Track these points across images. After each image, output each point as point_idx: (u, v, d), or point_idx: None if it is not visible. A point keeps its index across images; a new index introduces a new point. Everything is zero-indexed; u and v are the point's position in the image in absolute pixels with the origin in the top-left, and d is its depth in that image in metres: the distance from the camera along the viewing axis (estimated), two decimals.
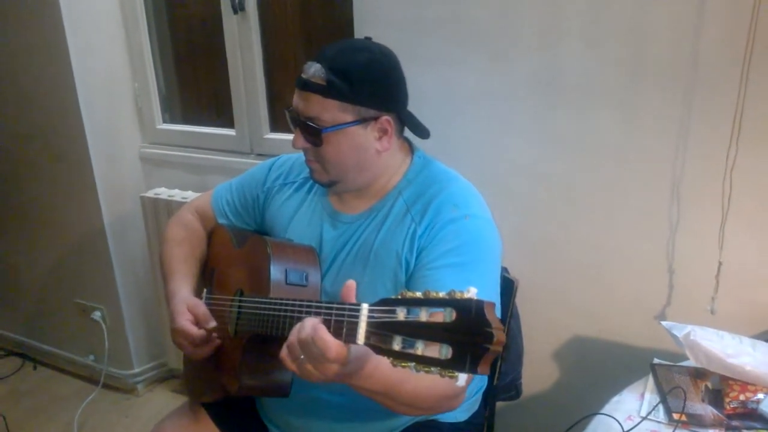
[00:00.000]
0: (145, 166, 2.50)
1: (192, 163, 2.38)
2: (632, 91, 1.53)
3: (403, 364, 0.75)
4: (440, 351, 0.72)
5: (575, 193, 1.67)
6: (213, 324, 1.28)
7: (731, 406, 1.24)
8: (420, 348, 0.74)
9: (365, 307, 0.82)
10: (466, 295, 0.72)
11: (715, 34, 1.40)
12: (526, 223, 1.74)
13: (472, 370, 0.70)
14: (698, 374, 1.35)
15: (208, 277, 1.49)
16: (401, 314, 0.77)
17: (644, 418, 1.22)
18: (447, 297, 0.73)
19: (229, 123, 2.32)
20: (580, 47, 1.56)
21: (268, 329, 1.10)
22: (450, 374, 0.71)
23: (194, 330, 1.26)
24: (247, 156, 2.27)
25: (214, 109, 2.48)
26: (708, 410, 1.24)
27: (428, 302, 0.75)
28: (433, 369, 0.72)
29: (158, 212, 2.34)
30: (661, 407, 1.26)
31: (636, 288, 1.64)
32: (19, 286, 2.87)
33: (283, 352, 0.94)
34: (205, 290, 1.44)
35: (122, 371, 2.66)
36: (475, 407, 1.43)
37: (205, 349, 1.29)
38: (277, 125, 2.24)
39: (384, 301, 0.80)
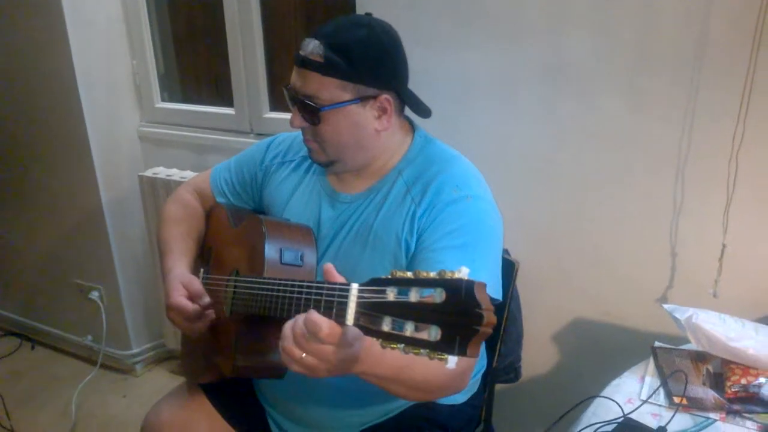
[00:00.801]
0: (144, 145, 2.48)
1: (191, 142, 2.35)
2: (639, 74, 1.50)
3: (392, 345, 0.73)
4: (429, 332, 0.70)
5: (579, 176, 1.65)
6: (207, 300, 1.26)
7: (732, 389, 1.23)
8: (409, 329, 0.72)
9: (355, 287, 0.80)
10: (457, 275, 0.70)
11: (724, 17, 1.37)
12: (528, 205, 1.73)
13: (461, 352, 0.67)
14: (699, 357, 1.34)
15: (205, 257, 1.48)
16: (391, 294, 0.75)
17: (645, 401, 1.21)
18: (437, 277, 0.71)
19: (228, 102, 2.29)
20: (587, 32, 1.53)
21: (262, 309, 1.08)
22: (439, 356, 0.69)
23: (188, 305, 1.24)
24: (246, 135, 2.25)
25: (214, 88, 2.45)
26: (709, 394, 1.23)
27: (418, 282, 0.73)
28: (422, 351, 0.70)
29: (156, 192, 2.32)
30: (661, 390, 1.25)
31: (638, 271, 1.63)
32: (17, 265, 2.86)
33: (283, 355, 0.90)
34: (202, 270, 1.43)
35: (120, 351, 2.66)
36: (474, 389, 1.43)
37: (199, 325, 1.26)
38: (276, 104, 2.22)
39: (374, 281, 0.78)
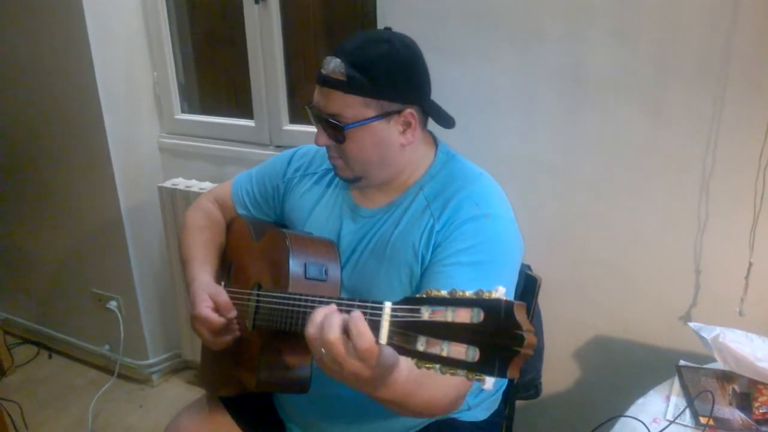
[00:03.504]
0: (164, 156, 2.50)
1: (210, 153, 2.36)
2: (661, 86, 1.49)
3: (427, 365, 0.72)
4: (467, 353, 0.69)
5: (601, 190, 1.64)
6: (234, 313, 1.25)
7: (760, 411, 1.21)
8: (445, 349, 0.71)
9: (388, 306, 0.79)
10: (495, 295, 0.69)
11: (750, 27, 1.36)
12: (549, 220, 1.71)
13: (501, 373, 0.66)
14: (725, 377, 1.32)
15: (225, 270, 1.47)
16: (426, 314, 0.74)
17: (671, 422, 1.19)
18: (474, 297, 0.70)
19: (248, 114, 2.30)
20: (607, 41, 1.52)
21: (287, 325, 1.07)
22: (478, 377, 0.68)
23: (215, 317, 1.23)
24: (265, 147, 2.25)
25: (233, 100, 2.46)
26: (736, 414, 1.21)
27: (454, 302, 0.71)
28: (459, 371, 0.69)
29: (176, 203, 2.33)
30: (687, 410, 1.23)
31: (661, 288, 1.61)
32: (36, 274, 2.88)
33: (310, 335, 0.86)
34: (222, 283, 1.42)
35: (137, 361, 2.66)
36: (495, 406, 1.41)
37: (225, 339, 1.26)
38: (296, 117, 2.22)
39: (408, 300, 0.77)
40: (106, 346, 2.71)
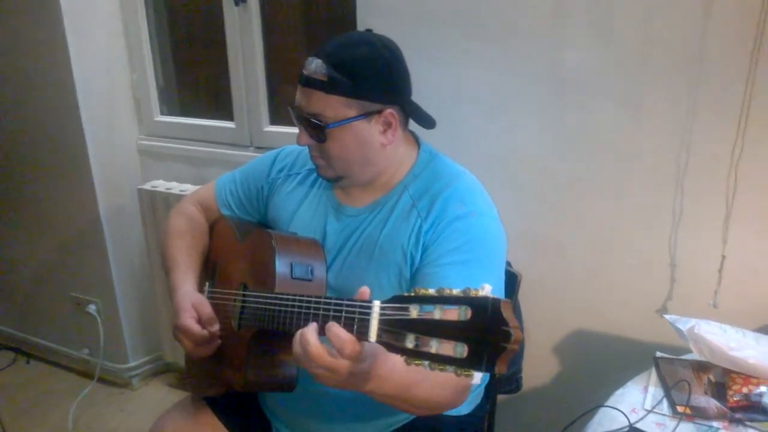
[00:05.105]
0: (143, 159, 2.48)
1: (190, 155, 2.36)
2: (638, 85, 1.53)
3: (416, 362, 0.74)
4: (455, 349, 0.71)
5: (579, 187, 1.67)
6: (217, 327, 1.26)
7: (734, 399, 1.24)
8: (434, 346, 0.73)
9: (377, 304, 0.81)
10: (481, 293, 0.71)
11: (724, 29, 1.40)
12: (528, 217, 1.74)
13: (489, 369, 0.68)
14: (701, 367, 1.36)
15: (210, 271, 1.48)
16: (414, 312, 0.76)
17: (650, 411, 1.22)
18: (462, 295, 0.72)
19: (228, 115, 2.31)
20: (586, 44, 1.56)
21: (274, 325, 1.08)
22: (466, 372, 0.70)
23: (197, 329, 1.24)
24: (246, 149, 2.26)
25: (213, 102, 2.46)
26: (711, 403, 1.25)
27: (442, 300, 0.74)
28: (448, 368, 0.71)
29: (155, 205, 2.33)
30: (665, 400, 1.27)
31: (638, 282, 1.65)
32: (13, 278, 2.85)
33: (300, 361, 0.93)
34: (207, 284, 1.43)
35: (117, 365, 2.65)
36: (478, 400, 1.43)
37: (206, 349, 1.27)
38: (276, 118, 2.23)
39: (396, 299, 0.79)
40: (86, 351, 2.68)
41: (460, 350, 0.70)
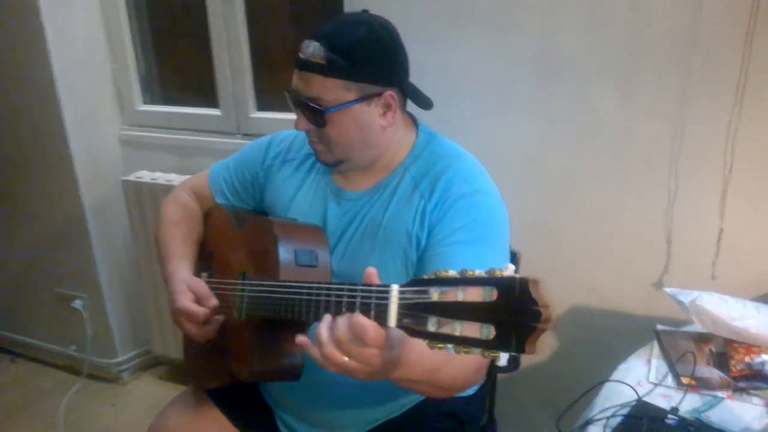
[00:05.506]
0: (126, 149, 2.43)
1: (175, 144, 2.32)
2: (631, 65, 1.53)
3: (439, 345, 0.73)
4: (481, 331, 0.70)
5: (574, 166, 1.68)
6: (215, 302, 1.24)
7: (737, 368, 1.26)
8: (458, 329, 0.71)
9: (395, 288, 0.80)
10: (506, 273, 0.70)
11: (717, 5, 1.40)
12: (525, 197, 1.74)
13: (519, 349, 0.67)
14: (701, 338, 1.37)
15: (206, 260, 1.45)
16: (435, 294, 0.74)
17: (657, 384, 1.24)
18: (486, 275, 0.71)
19: (213, 103, 2.26)
20: (578, 27, 1.56)
21: (282, 313, 1.06)
22: (494, 354, 0.69)
23: (197, 308, 1.22)
24: (233, 136, 2.22)
25: (197, 89, 2.41)
26: (714, 373, 1.27)
27: (464, 281, 0.72)
28: (474, 349, 0.70)
29: (141, 196, 2.28)
30: (669, 372, 1.28)
31: (635, 258, 1.67)
32: None
33: (324, 360, 0.88)
34: (205, 274, 1.40)
35: (106, 360, 2.60)
36: (482, 379, 1.44)
37: (209, 329, 1.25)
38: (263, 103, 2.19)
39: (415, 281, 0.77)
40: (73, 347, 2.64)
41: (487, 332, 0.69)
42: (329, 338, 0.86)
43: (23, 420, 2.44)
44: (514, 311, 0.68)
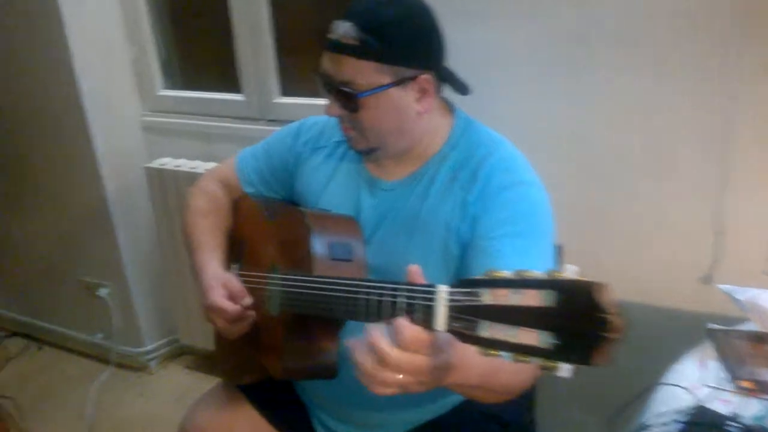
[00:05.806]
0: (148, 136, 2.38)
1: (198, 131, 2.26)
2: (678, 42, 1.43)
3: (492, 352, 0.67)
4: (539, 338, 0.64)
5: (615, 153, 1.59)
6: (249, 300, 1.19)
7: None
8: (514, 335, 0.65)
9: (443, 289, 0.73)
10: (568, 275, 0.64)
11: None
12: (563, 186, 1.64)
13: (584, 361, 0.61)
14: (758, 339, 1.29)
15: (236, 251, 1.40)
16: (488, 297, 0.68)
17: (715, 388, 1.16)
18: (545, 277, 0.65)
19: (235, 87, 2.19)
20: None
21: (318, 310, 1.01)
22: (553, 365, 0.63)
23: (229, 306, 1.17)
24: (257, 122, 2.16)
25: (219, 73, 2.34)
26: None
27: (521, 283, 0.66)
28: (532, 359, 0.64)
29: (165, 183, 2.23)
30: (727, 376, 1.20)
31: (681, 250, 1.57)
32: (20, 264, 2.77)
33: (374, 383, 0.81)
34: (236, 265, 1.35)
35: (133, 349, 2.59)
36: None
37: (241, 327, 1.20)
38: (288, 89, 2.12)
39: (466, 282, 0.71)
40: (99, 335, 2.62)
41: (546, 340, 0.63)
42: (374, 363, 0.78)
43: (52, 407, 2.44)
44: (577, 318, 0.61)
